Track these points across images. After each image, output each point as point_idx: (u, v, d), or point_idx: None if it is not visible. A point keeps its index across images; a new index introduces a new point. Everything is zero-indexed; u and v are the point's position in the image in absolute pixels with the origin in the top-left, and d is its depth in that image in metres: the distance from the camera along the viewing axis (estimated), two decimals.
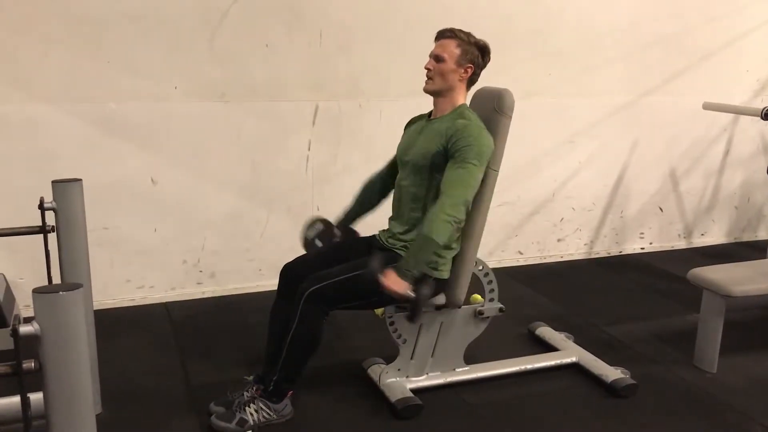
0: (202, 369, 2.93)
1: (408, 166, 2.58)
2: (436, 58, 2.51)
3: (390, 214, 2.71)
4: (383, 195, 2.81)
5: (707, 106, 4.29)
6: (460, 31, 2.51)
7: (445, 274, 2.56)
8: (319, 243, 2.70)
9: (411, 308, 2.42)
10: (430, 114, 2.64)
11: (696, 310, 3.10)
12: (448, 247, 2.53)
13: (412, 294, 2.33)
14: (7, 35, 3.14)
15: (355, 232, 2.80)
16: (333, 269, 2.47)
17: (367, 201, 2.81)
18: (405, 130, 2.75)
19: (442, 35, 2.53)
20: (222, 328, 3.35)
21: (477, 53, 2.51)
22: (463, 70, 2.51)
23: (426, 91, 2.56)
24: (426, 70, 2.53)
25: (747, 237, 5.11)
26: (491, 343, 3.04)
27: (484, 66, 2.56)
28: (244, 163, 3.66)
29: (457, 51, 2.49)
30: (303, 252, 2.73)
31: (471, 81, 2.56)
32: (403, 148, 2.65)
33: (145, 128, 3.45)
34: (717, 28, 4.54)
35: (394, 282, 2.31)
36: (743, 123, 4.81)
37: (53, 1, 3.17)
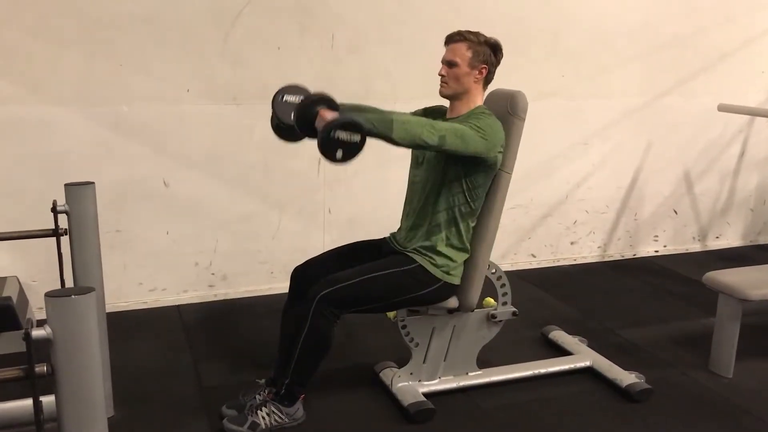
0: (214, 371, 2.93)
1: (421, 163, 2.57)
2: (449, 63, 2.48)
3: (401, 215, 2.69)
4: None
5: (722, 108, 4.25)
6: (469, 32, 2.48)
7: (456, 280, 2.55)
8: (289, 98, 2.46)
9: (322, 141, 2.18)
10: (445, 113, 2.61)
11: (711, 314, 3.07)
12: (461, 250, 2.52)
13: (340, 131, 2.13)
14: (21, 37, 3.15)
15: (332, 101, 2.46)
16: (344, 272, 2.46)
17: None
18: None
19: (452, 39, 2.51)
20: (234, 331, 3.35)
21: (489, 52, 2.49)
22: (477, 72, 2.49)
23: (442, 95, 2.54)
24: (440, 77, 2.51)
25: (763, 240, 5.06)
26: (504, 347, 3.03)
27: (497, 63, 2.54)
28: (256, 166, 3.66)
29: (468, 53, 2.47)
30: (314, 255, 2.72)
31: (487, 80, 2.54)
32: None
33: (158, 130, 3.46)
34: (732, 29, 4.50)
35: (329, 113, 2.20)
36: (759, 124, 4.76)
37: (67, 3, 3.18)
